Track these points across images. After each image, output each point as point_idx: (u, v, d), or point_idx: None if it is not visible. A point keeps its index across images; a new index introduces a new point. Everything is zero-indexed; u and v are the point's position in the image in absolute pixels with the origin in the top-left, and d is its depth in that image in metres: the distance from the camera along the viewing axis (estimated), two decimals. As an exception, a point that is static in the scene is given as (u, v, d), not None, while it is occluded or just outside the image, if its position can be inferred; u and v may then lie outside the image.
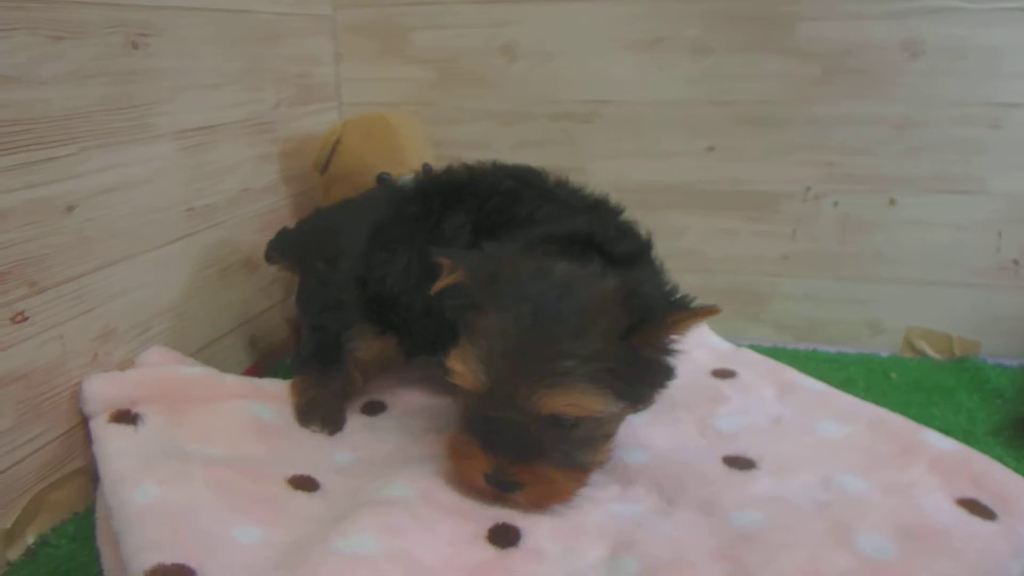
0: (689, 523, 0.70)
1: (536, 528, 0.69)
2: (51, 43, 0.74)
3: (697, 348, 1.04)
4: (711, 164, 1.21)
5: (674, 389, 0.94)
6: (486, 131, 1.27)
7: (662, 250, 1.26)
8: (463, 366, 0.69)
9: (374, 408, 0.93)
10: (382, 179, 1.08)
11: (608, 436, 0.75)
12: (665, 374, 0.75)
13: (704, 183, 1.22)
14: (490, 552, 0.66)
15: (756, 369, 1.00)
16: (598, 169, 1.24)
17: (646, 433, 0.86)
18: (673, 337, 0.72)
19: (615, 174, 1.24)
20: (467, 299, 0.72)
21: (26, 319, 0.74)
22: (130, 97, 0.85)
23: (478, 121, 1.27)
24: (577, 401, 0.67)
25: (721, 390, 0.94)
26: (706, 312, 0.69)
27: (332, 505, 0.72)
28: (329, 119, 1.27)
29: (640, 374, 0.71)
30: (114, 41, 0.82)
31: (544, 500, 0.71)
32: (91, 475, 0.80)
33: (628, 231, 0.85)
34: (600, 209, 0.86)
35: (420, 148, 1.15)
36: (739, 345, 1.10)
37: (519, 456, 0.69)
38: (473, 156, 1.25)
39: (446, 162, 1.19)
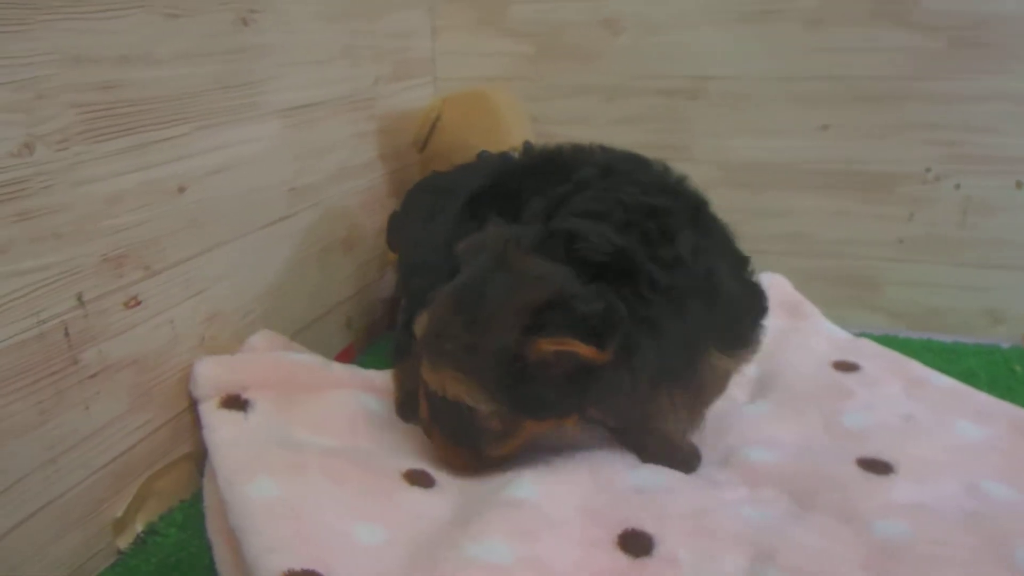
0: (828, 531, 0.64)
1: (668, 535, 0.63)
2: (166, 21, 0.71)
3: (814, 336, 0.97)
4: (824, 143, 1.12)
5: (796, 379, 0.88)
6: (586, 107, 1.20)
7: (767, 232, 1.19)
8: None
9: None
10: (482, 158, 1.02)
11: (501, 433, 0.69)
12: (561, 396, 0.66)
13: (816, 163, 1.13)
14: (622, 560, 0.61)
15: (879, 362, 0.92)
16: (703, 147, 1.16)
17: (770, 429, 0.80)
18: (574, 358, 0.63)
19: (721, 152, 1.16)
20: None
21: (139, 304, 0.71)
22: (239, 75, 0.81)
23: (577, 97, 1.20)
24: (446, 384, 0.66)
25: (845, 385, 0.86)
26: (584, 349, 0.61)
27: (450, 502, 0.68)
28: (424, 95, 1.22)
29: (526, 384, 0.64)
30: (225, 18, 0.78)
31: (439, 464, 0.73)
32: (197, 461, 0.78)
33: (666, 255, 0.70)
34: (660, 215, 0.72)
35: (521, 125, 1.09)
36: (849, 333, 1.02)
37: (432, 418, 0.72)
38: (571, 133, 1.19)
39: (544, 140, 1.13)
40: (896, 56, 1.07)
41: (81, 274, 0.65)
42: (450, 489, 0.71)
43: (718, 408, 0.85)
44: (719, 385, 0.78)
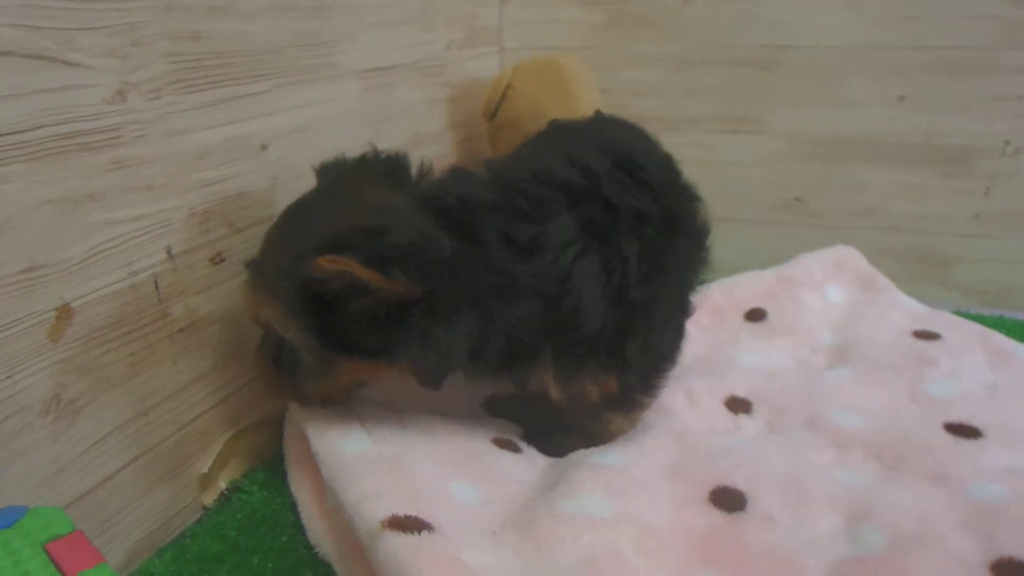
0: (922, 493, 0.61)
1: (761, 493, 0.60)
2: (253, -29, 0.68)
3: (891, 308, 0.93)
4: (901, 115, 1.06)
5: (876, 348, 0.84)
6: (656, 78, 1.15)
7: (839, 206, 1.14)
8: None
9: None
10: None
11: (315, 370, 0.61)
12: (365, 334, 0.57)
13: (892, 135, 1.07)
14: (717, 516, 0.58)
15: (961, 332, 0.88)
16: (776, 119, 1.11)
17: (853, 395, 0.76)
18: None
19: (795, 124, 1.11)
20: None
21: (223, 260, 0.69)
22: (319, 33, 0.78)
23: (648, 67, 1.15)
24: (259, 309, 0.61)
25: (927, 353, 0.82)
26: (361, 271, 0.53)
27: (537, 468, 0.66)
28: (491, 64, 1.18)
29: (330, 315, 0.56)
30: (308, -29, 0.75)
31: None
32: (279, 422, 0.76)
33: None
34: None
35: (592, 94, 1.05)
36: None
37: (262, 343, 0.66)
38: (641, 104, 1.16)
39: (613, 111, 1.09)
40: (983, 25, 1.01)
41: (170, 227, 0.62)
42: (535, 457, 0.69)
43: (798, 374, 0.82)
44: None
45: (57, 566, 0.34)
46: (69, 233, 0.54)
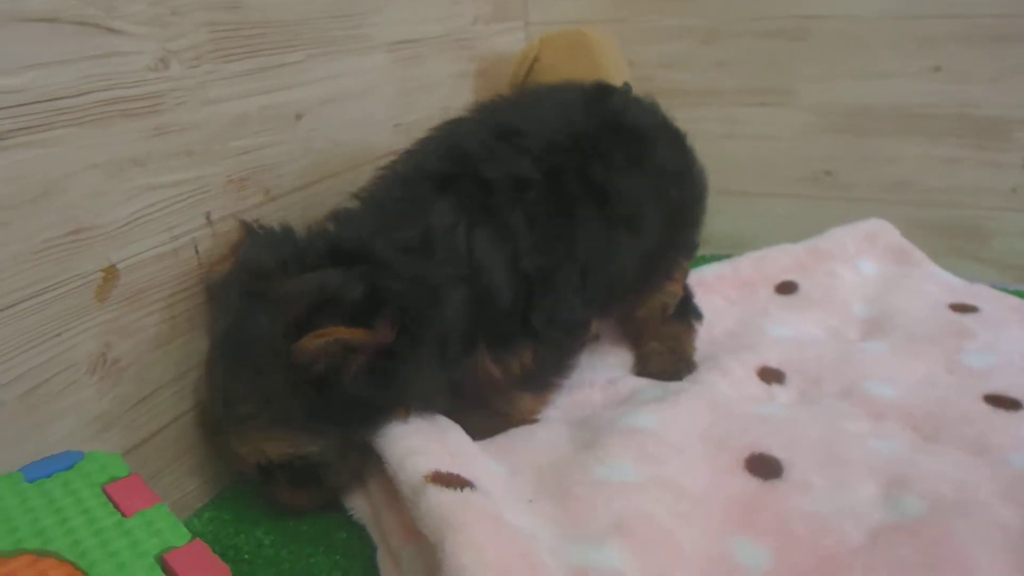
0: (961, 462, 0.62)
1: (797, 460, 0.61)
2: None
3: (927, 281, 0.93)
4: (935, 86, 1.06)
5: (911, 321, 0.84)
6: (682, 50, 1.15)
7: (872, 179, 1.14)
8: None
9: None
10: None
11: (340, 459, 0.60)
12: (374, 394, 0.57)
13: (926, 107, 1.07)
14: (753, 482, 0.59)
15: (999, 304, 0.88)
16: (807, 91, 1.10)
17: (888, 366, 0.76)
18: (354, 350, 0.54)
19: (826, 96, 1.10)
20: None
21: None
22: (350, 4, 0.79)
23: (674, 39, 1.15)
24: (265, 449, 0.58)
25: (965, 325, 0.82)
26: (346, 331, 0.53)
27: (563, 432, 0.67)
28: (516, 38, 1.19)
29: (334, 400, 0.56)
30: (341, -58, 0.77)
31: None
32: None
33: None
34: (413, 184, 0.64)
35: (619, 66, 1.05)
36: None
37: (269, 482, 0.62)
38: (667, 77, 1.16)
39: (639, 84, 1.09)
40: (1019, -8, 1.00)
41: (209, 193, 0.64)
42: (556, 423, 0.70)
43: (832, 345, 0.82)
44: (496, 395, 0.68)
45: (116, 505, 0.36)
46: (114, 197, 0.56)
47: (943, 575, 0.49)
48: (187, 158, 0.62)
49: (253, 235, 0.63)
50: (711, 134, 1.14)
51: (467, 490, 0.51)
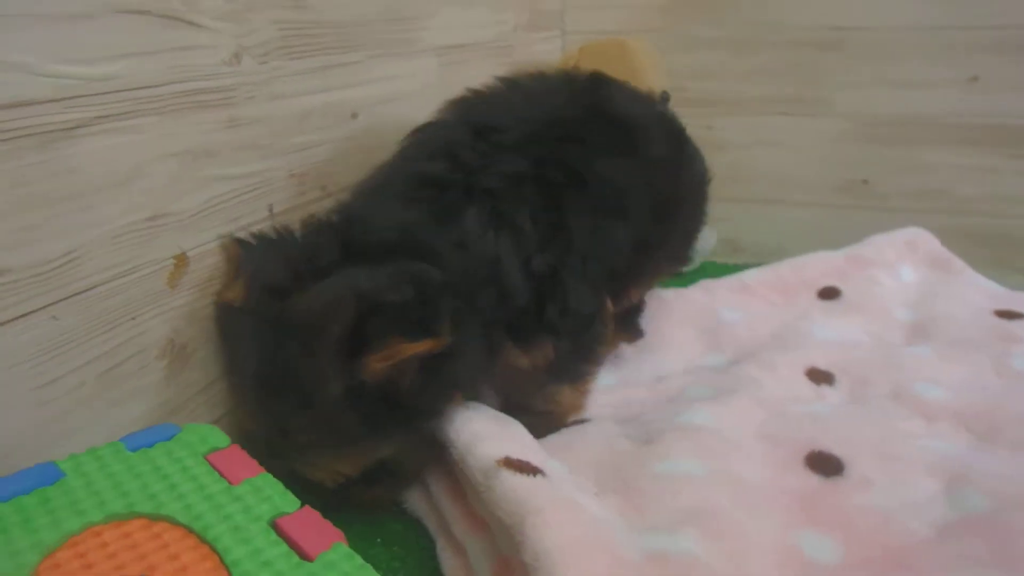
0: (1020, 463, 0.61)
1: (856, 457, 0.61)
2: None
3: (969, 288, 0.93)
4: (972, 96, 1.07)
5: (956, 326, 0.84)
6: (716, 60, 1.17)
7: (907, 188, 1.15)
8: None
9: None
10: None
11: (412, 456, 0.60)
12: (436, 394, 0.56)
13: (962, 116, 1.08)
14: (813, 479, 0.59)
15: (1045, 311, 0.88)
16: (841, 101, 1.12)
17: (936, 369, 0.76)
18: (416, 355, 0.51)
19: (860, 106, 1.12)
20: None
21: (315, 224, 0.72)
22: (403, 8, 0.81)
23: (708, 49, 1.17)
24: (339, 469, 0.56)
25: (1012, 330, 0.82)
26: (417, 347, 0.51)
27: (615, 429, 0.68)
28: (553, 47, 1.21)
29: (398, 407, 0.54)
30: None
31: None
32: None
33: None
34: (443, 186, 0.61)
35: (658, 75, 1.07)
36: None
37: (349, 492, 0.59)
38: (701, 87, 1.17)
39: (673, 94, 1.11)
40: (1054, 3, 1.01)
41: (272, 186, 0.66)
42: (607, 422, 0.71)
43: (877, 349, 0.82)
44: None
45: (221, 474, 0.36)
46: (188, 185, 0.58)
47: (1017, 569, 0.49)
48: (254, 151, 0.63)
49: (251, 249, 0.59)
50: (745, 143, 1.16)
51: (539, 476, 0.52)
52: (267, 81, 0.63)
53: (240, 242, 0.58)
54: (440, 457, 0.60)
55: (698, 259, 1.14)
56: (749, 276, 0.96)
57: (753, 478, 0.58)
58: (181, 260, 0.58)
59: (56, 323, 0.49)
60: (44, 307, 0.48)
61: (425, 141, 0.67)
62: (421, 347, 0.51)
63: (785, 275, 0.96)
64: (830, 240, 1.03)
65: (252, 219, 0.64)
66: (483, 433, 0.57)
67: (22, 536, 0.32)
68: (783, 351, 0.81)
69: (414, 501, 0.64)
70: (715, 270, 1.15)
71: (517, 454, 0.54)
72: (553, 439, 0.66)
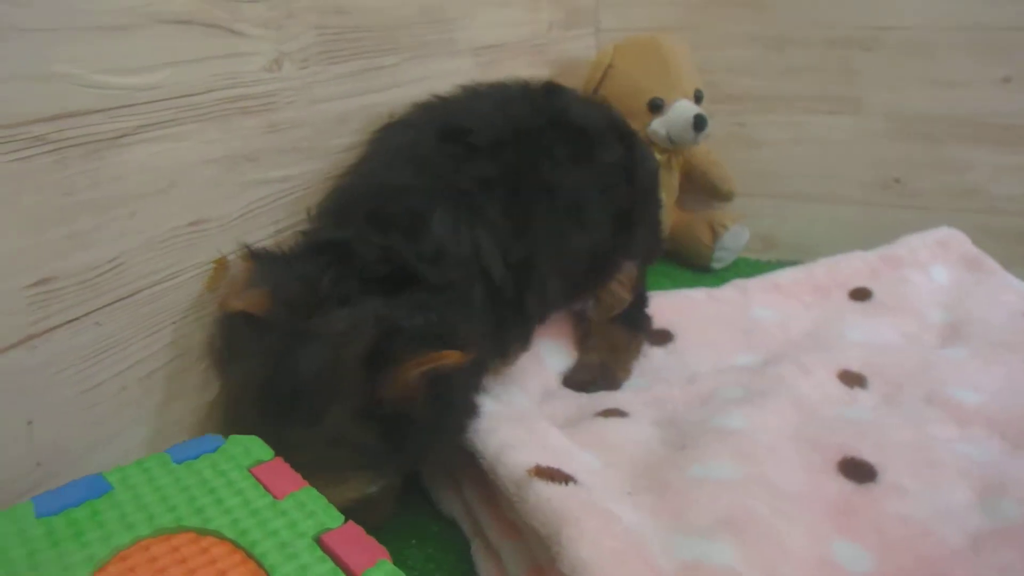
0: None
1: (890, 464, 0.59)
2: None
3: (1001, 290, 0.90)
4: (1006, 95, 1.03)
5: (989, 328, 0.82)
6: (751, 57, 1.14)
7: (941, 187, 1.12)
8: None
9: (661, 337, 0.86)
10: (655, 104, 0.98)
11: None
12: (450, 418, 0.55)
13: (997, 116, 1.04)
14: (847, 485, 0.58)
15: (1079, 313, 0.85)
16: (876, 98, 1.08)
17: (970, 373, 0.74)
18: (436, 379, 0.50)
19: (896, 104, 1.08)
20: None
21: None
22: (442, 10, 0.80)
23: (743, 46, 1.14)
24: (351, 491, 0.51)
25: (1046, 334, 0.80)
26: (451, 356, 0.49)
27: (652, 430, 0.66)
28: (587, 44, 1.19)
29: (408, 433, 0.51)
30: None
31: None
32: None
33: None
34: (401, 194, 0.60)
35: (692, 72, 1.05)
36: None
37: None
38: (736, 83, 1.15)
39: (708, 90, 1.09)
40: (1094, 3, 0.97)
41: (311, 190, 0.65)
42: (644, 419, 0.70)
43: (910, 351, 0.80)
44: None
45: (265, 487, 0.36)
46: (229, 190, 0.57)
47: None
48: (294, 155, 0.63)
49: (263, 263, 0.55)
50: (779, 140, 1.13)
51: (571, 484, 0.51)
52: (307, 86, 0.63)
53: (255, 253, 0.56)
54: (470, 465, 0.59)
55: (730, 256, 1.12)
56: (782, 276, 0.94)
57: (788, 484, 0.57)
58: (221, 264, 0.58)
59: (100, 328, 0.49)
60: (89, 313, 0.48)
61: (390, 146, 0.65)
62: (455, 356, 0.49)
63: (818, 275, 0.94)
64: (863, 237, 1.01)
65: (291, 221, 0.63)
66: (511, 441, 0.56)
67: (74, 550, 0.32)
68: (816, 352, 0.79)
69: (448, 503, 0.63)
70: (748, 267, 1.13)
71: (548, 461, 0.53)
72: (589, 433, 0.65)
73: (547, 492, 0.50)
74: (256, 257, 0.55)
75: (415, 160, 0.61)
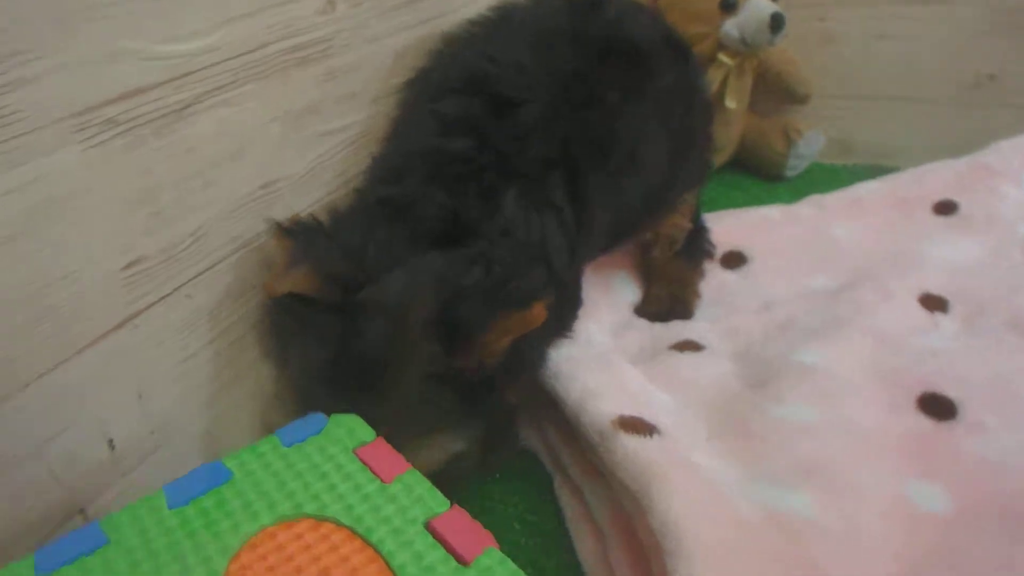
0: None
1: (970, 399, 0.59)
2: None
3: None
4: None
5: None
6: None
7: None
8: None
9: (734, 260, 0.85)
10: (727, 2, 0.93)
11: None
12: (520, 369, 0.54)
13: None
14: (926, 423, 0.58)
15: None
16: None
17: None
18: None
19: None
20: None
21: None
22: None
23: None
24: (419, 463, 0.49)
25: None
26: (532, 318, 0.48)
27: (727, 364, 0.67)
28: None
29: (484, 388, 0.51)
30: None
31: None
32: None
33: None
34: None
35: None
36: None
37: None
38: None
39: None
40: None
41: (374, 135, 0.64)
42: (720, 352, 0.70)
43: (996, 270, 0.78)
44: None
45: (372, 470, 0.38)
46: (295, 147, 0.57)
47: None
48: (353, 101, 0.62)
49: (301, 238, 0.53)
50: (862, 35, 1.06)
51: (656, 436, 0.53)
52: (361, 24, 0.61)
53: (288, 231, 0.53)
54: (551, 404, 0.61)
55: (804, 164, 1.09)
56: (862, 189, 0.91)
57: (866, 423, 0.57)
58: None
59: (190, 300, 0.51)
60: (179, 287, 0.49)
61: (437, 108, 0.59)
62: (535, 315, 0.48)
63: (901, 187, 0.90)
64: (950, 142, 0.96)
65: (358, 170, 0.63)
66: (593, 388, 0.57)
67: (209, 540, 0.34)
68: (897, 274, 0.77)
69: (530, 437, 0.66)
70: (822, 173, 1.10)
71: (630, 410, 0.54)
72: (667, 370, 0.66)
73: (632, 444, 0.51)
74: (291, 233, 0.53)
75: (471, 130, 0.57)
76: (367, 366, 0.47)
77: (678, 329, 0.75)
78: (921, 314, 0.74)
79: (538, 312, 0.48)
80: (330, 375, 0.49)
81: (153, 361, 0.49)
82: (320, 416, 0.42)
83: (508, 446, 0.62)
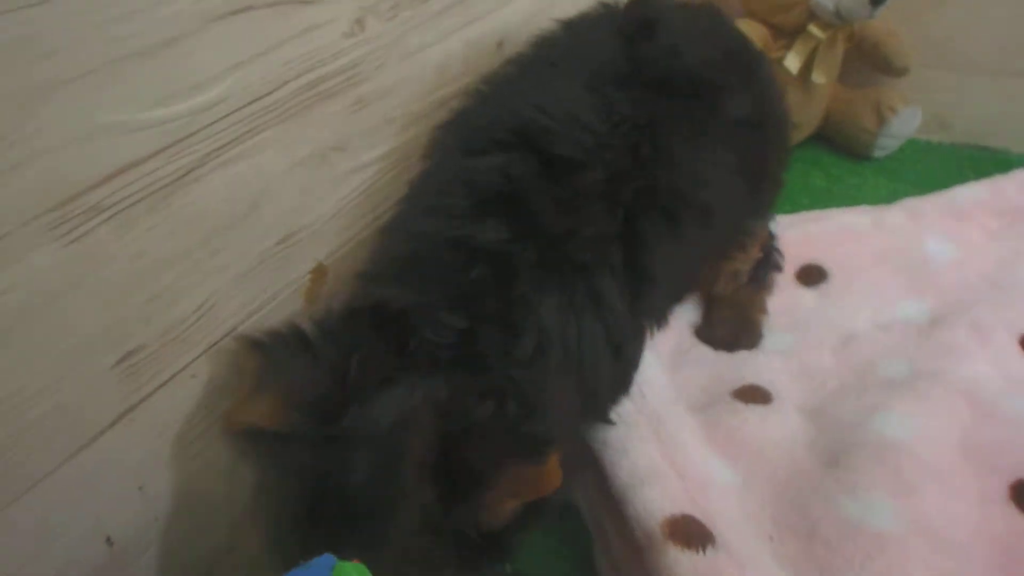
0: None
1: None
2: None
3: None
4: None
5: None
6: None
7: None
8: None
9: (812, 275, 0.76)
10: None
11: None
12: (535, 523, 0.44)
13: None
14: (1019, 521, 0.52)
15: None
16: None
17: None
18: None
19: None
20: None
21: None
22: None
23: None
24: None
25: None
26: (551, 480, 0.39)
27: (797, 424, 0.60)
28: None
29: (484, 553, 0.42)
30: None
31: None
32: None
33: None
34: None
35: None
36: None
37: None
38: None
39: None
40: None
41: (411, 161, 0.57)
42: (789, 403, 0.64)
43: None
44: None
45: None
46: (318, 190, 0.50)
47: None
48: (388, 127, 0.54)
49: (270, 353, 0.43)
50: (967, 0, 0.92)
51: (710, 550, 0.47)
52: (398, 39, 0.52)
53: (255, 344, 0.43)
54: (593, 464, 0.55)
55: (896, 144, 0.97)
56: (962, 194, 0.80)
57: (952, 528, 0.51)
58: (319, 271, 0.52)
59: (196, 380, 0.46)
60: (183, 368, 0.45)
61: (473, 166, 0.48)
62: (552, 478, 0.39)
63: (1008, 193, 0.79)
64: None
65: (392, 202, 0.56)
66: (643, 472, 0.51)
67: None
68: (996, 306, 0.68)
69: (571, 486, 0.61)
70: (915, 150, 0.98)
71: (683, 506, 0.49)
72: (729, 429, 0.60)
73: (684, 562, 0.46)
74: (262, 348, 0.43)
75: (507, 203, 0.46)
76: (349, 509, 0.39)
77: (744, 366, 0.68)
78: (1022, 363, 0.65)
79: (553, 471, 0.39)
80: (305, 523, 0.40)
81: (153, 450, 0.45)
82: (329, 557, 0.37)
83: None
